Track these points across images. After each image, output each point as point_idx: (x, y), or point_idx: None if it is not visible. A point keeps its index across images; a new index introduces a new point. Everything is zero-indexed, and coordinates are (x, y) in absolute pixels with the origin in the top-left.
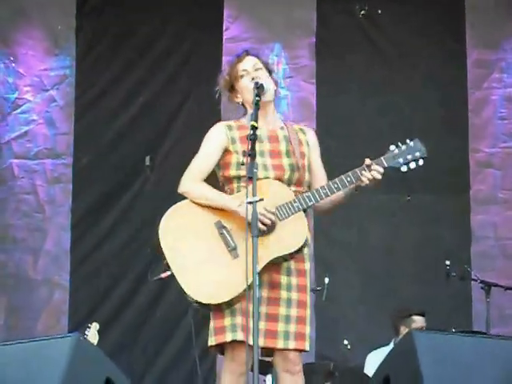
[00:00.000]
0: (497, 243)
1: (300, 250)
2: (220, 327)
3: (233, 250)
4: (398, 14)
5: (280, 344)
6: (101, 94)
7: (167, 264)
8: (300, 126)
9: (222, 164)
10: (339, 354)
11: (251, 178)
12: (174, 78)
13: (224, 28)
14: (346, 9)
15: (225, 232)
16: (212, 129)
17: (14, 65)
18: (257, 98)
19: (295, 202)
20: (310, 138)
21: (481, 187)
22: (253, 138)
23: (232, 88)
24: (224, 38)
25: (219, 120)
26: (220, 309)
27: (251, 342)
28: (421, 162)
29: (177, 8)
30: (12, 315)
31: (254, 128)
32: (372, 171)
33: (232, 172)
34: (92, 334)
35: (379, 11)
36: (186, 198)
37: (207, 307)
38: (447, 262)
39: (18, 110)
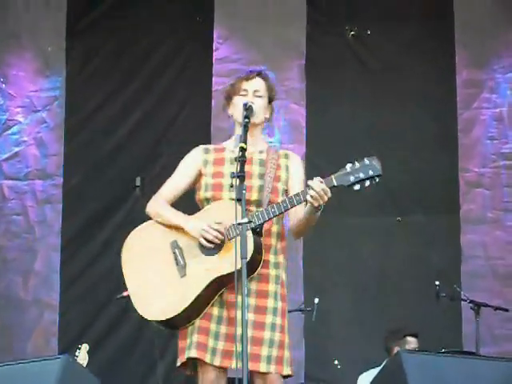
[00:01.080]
0: (486, 263)
1: (250, 270)
2: (182, 347)
3: (181, 268)
4: (388, 35)
5: (235, 364)
6: (91, 114)
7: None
8: (286, 151)
9: (196, 187)
10: (329, 374)
11: (240, 199)
12: (163, 100)
13: (214, 48)
14: (336, 30)
15: (177, 251)
16: (190, 152)
17: (4, 86)
18: (246, 120)
19: None
20: (292, 163)
21: (470, 207)
22: (241, 160)
23: (229, 98)
24: (214, 58)
25: (209, 140)
26: (185, 329)
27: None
28: (376, 180)
29: (167, 29)
30: (2, 336)
31: (243, 150)
32: (318, 189)
33: (201, 194)
34: (82, 355)
35: (368, 32)
36: None
37: (170, 327)
38: (437, 283)
39: (9, 132)
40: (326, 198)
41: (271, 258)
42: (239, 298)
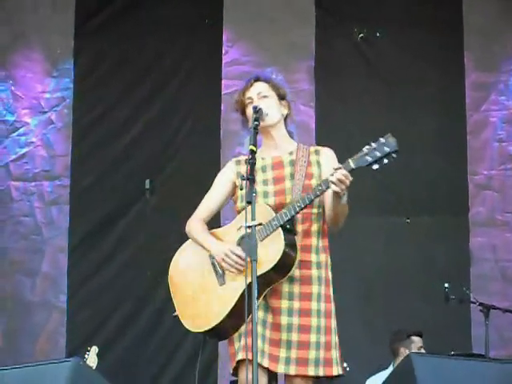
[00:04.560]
0: (496, 265)
1: (285, 268)
2: (232, 353)
3: (220, 277)
4: (397, 37)
5: (281, 369)
6: (99, 116)
7: None
8: (317, 147)
9: (234, 199)
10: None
11: (250, 202)
12: (173, 101)
13: (223, 52)
14: (345, 32)
15: (215, 261)
16: (223, 168)
17: (13, 88)
18: (255, 123)
19: (273, 220)
20: (323, 157)
21: (480, 209)
22: (251, 162)
23: (244, 114)
24: (223, 61)
25: (218, 143)
26: (231, 336)
27: (258, 360)
28: (393, 157)
29: (176, 31)
30: (10, 338)
31: (253, 152)
32: (337, 174)
33: (239, 206)
34: (91, 357)
35: (378, 34)
36: None
37: (218, 336)
38: (446, 285)
39: (16, 133)
40: (347, 183)
41: (313, 257)
42: (283, 304)
